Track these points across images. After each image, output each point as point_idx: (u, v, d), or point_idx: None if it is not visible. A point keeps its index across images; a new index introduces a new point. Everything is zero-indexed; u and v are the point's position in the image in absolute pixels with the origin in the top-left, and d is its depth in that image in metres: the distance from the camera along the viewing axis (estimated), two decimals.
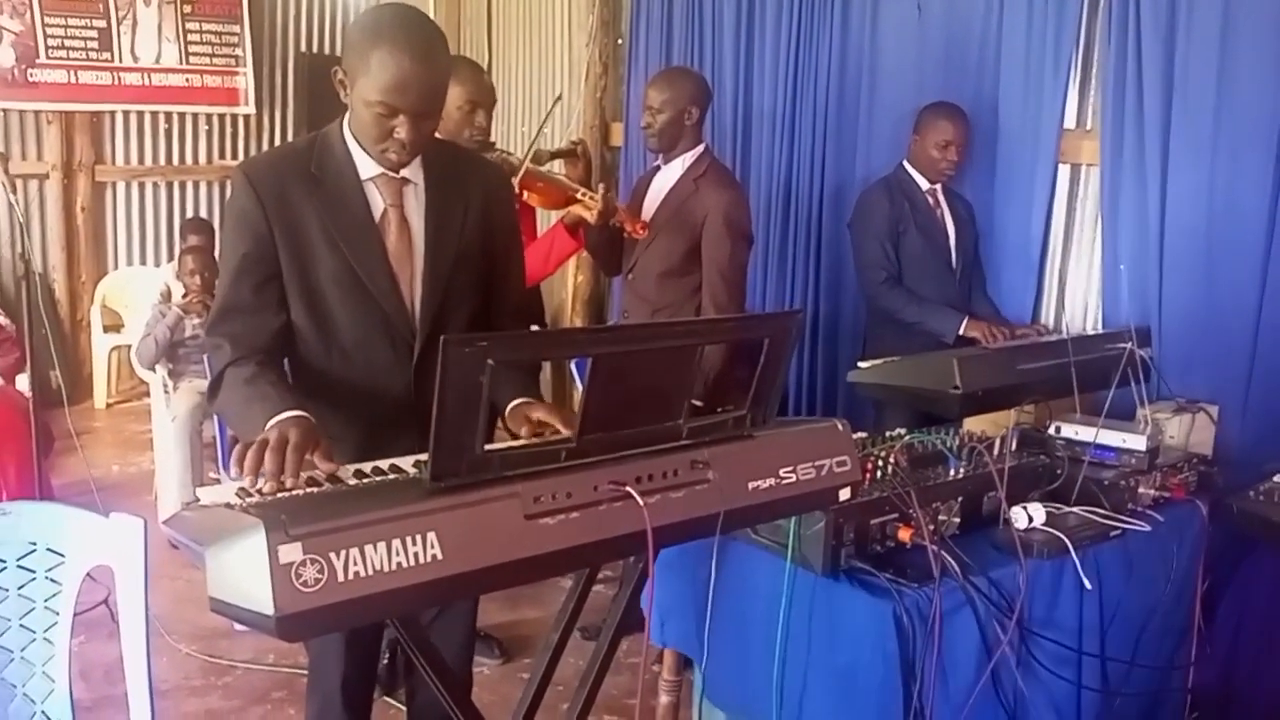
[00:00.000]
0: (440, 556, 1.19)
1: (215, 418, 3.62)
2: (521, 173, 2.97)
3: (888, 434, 2.21)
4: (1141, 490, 2.29)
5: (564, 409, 1.73)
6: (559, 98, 4.21)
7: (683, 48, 4.56)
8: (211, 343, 1.80)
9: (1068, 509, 2.17)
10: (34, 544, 1.80)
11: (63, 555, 1.81)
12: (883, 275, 3.20)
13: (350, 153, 1.80)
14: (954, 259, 3.28)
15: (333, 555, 1.12)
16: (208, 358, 1.84)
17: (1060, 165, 3.39)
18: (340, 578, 1.12)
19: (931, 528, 1.93)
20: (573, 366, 3.79)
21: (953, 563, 1.87)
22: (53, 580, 1.81)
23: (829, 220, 4.00)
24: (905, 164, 3.30)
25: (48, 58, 5.24)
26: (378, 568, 1.14)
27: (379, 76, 1.65)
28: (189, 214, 5.81)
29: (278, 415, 1.57)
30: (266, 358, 1.76)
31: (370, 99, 1.67)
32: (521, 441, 1.60)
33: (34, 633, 1.80)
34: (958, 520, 2.04)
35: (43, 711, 1.82)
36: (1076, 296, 3.45)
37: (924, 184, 3.27)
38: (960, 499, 2.05)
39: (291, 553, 1.09)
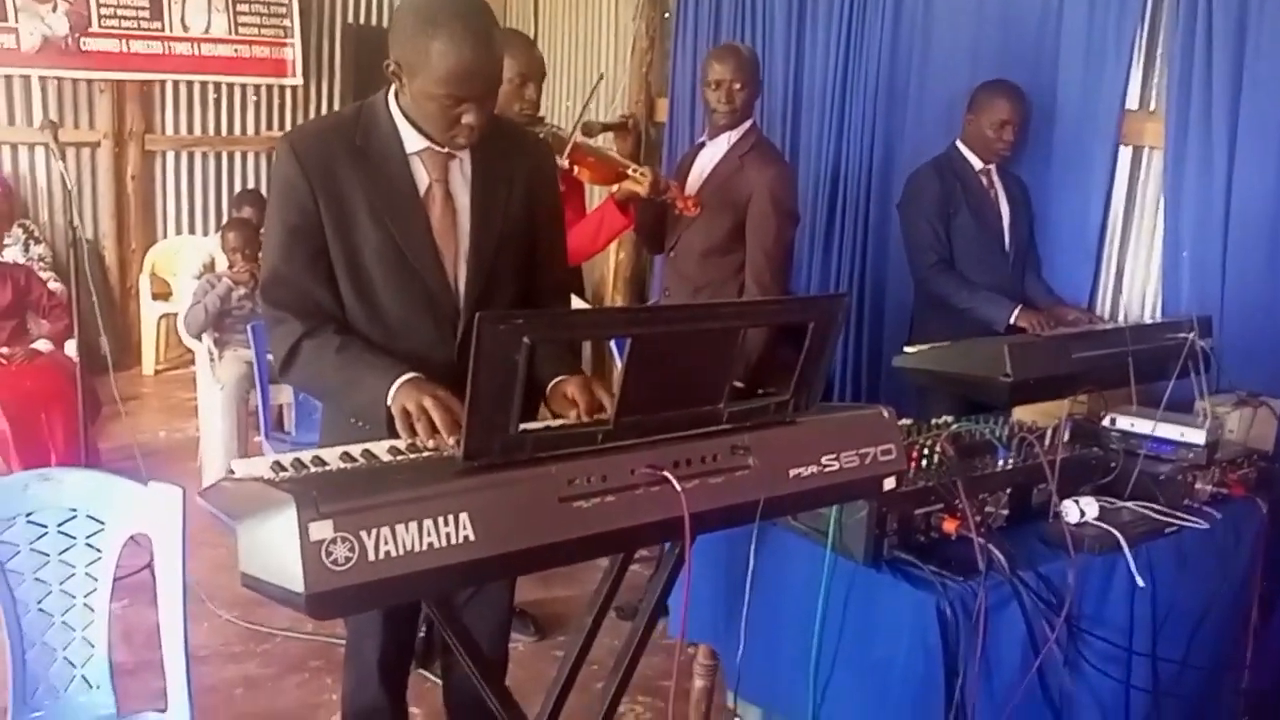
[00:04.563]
0: (472, 538, 1.17)
1: (259, 386, 3.65)
2: (571, 145, 2.92)
3: (934, 422, 2.15)
4: (1199, 486, 2.21)
5: (600, 382, 1.70)
6: (601, 77, 4.17)
7: (731, 22, 4.47)
8: (273, 315, 1.78)
9: (1121, 504, 2.11)
10: (74, 510, 1.82)
11: (102, 522, 1.83)
12: (934, 258, 3.11)
13: (396, 126, 1.77)
14: (1007, 241, 3.18)
15: (364, 534, 1.10)
16: (267, 330, 1.82)
17: (1121, 147, 3.27)
18: (371, 557, 1.11)
19: (978, 519, 1.87)
20: (612, 344, 3.76)
21: (999, 556, 1.82)
22: (92, 547, 1.83)
23: (877, 201, 3.91)
24: (958, 143, 3.21)
25: (100, 27, 5.28)
26: (409, 548, 1.13)
27: (440, 68, 1.63)
28: (236, 184, 5.86)
29: (399, 379, 1.61)
30: (340, 327, 1.77)
31: (434, 91, 1.65)
32: (557, 422, 1.58)
33: (74, 598, 1.83)
34: (1005, 512, 1.98)
35: (82, 675, 1.85)
36: (1135, 284, 3.34)
37: (978, 164, 3.18)
38: (1009, 490, 1.99)
39: (322, 530, 1.08)
